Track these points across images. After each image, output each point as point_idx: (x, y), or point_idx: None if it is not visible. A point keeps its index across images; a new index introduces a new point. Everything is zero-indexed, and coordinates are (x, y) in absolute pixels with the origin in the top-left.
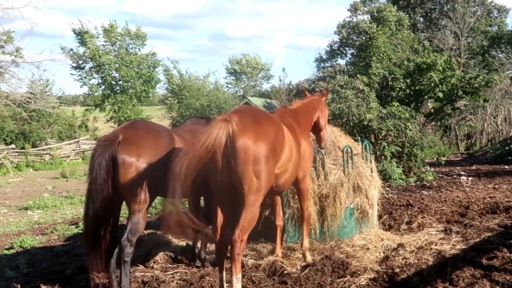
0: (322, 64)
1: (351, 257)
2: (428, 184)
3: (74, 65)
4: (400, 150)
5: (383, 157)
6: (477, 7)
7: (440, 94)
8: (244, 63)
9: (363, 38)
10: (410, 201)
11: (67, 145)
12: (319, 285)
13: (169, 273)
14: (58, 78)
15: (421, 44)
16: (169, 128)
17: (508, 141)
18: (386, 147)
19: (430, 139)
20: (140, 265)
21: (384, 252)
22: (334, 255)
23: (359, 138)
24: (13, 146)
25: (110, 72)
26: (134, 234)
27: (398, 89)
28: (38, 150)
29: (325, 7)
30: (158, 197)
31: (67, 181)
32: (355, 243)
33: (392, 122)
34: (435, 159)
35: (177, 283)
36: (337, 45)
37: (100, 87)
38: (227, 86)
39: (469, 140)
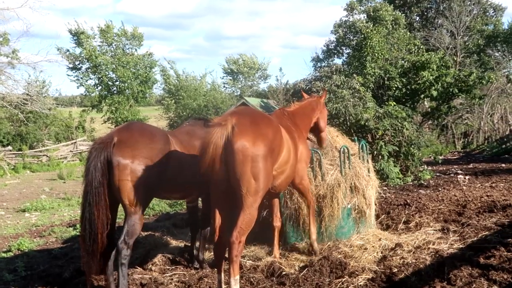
0: (319, 64)
1: (349, 257)
2: (425, 183)
3: (71, 66)
4: (397, 149)
5: (380, 157)
6: (473, 6)
7: (434, 93)
8: (241, 63)
9: (359, 37)
10: (408, 200)
11: (64, 147)
12: (317, 286)
13: (167, 275)
14: (55, 79)
15: (414, 44)
16: (165, 130)
17: (505, 139)
18: (383, 147)
19: (427, 138)
20: (138, 267)
21: (382, 252)
22: (332, 256)
23: (356, 138)
24: (10, 147)
25: (107, 73)
26: (131, 236)
27: (394, 88)
28: (35, 151)
29: (321, 6)
30: (154, 198)
31: (64, 182)
32: (353, 243)
33: (389, 122)
34: (432, 158)
35: (175, 285)
36: (333, 44)
37: (97, 88)
38: (224, 86)
39: (466, 139)
